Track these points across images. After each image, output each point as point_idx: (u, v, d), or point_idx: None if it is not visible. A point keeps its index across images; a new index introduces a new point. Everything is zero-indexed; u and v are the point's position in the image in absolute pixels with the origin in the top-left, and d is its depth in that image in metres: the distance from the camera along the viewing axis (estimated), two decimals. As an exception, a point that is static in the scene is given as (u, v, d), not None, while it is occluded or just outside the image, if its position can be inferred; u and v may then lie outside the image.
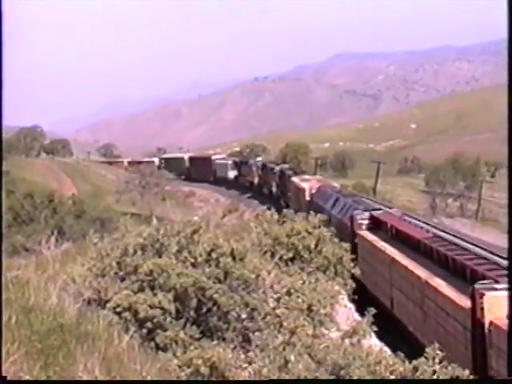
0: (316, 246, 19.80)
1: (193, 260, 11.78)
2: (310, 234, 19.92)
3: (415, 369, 9.82)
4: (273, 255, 17.12)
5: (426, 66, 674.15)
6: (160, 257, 11.78)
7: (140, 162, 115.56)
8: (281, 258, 17.70)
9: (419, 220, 33.01)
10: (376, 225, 32.01)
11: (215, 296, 11.28)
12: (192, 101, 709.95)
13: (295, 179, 57.07)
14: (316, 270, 18.65)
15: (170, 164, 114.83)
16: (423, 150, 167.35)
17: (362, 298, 21.18)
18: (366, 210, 33.30)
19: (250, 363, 10.09)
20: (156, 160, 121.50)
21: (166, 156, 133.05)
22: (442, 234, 26.80)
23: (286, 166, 75.55)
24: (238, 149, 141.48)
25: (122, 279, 11.76)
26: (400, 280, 25.01)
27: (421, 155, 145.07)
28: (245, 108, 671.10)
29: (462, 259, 20.84)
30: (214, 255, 11.84)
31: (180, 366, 9.87)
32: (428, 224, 31.45)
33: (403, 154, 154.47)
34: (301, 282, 13.61)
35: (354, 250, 30.03)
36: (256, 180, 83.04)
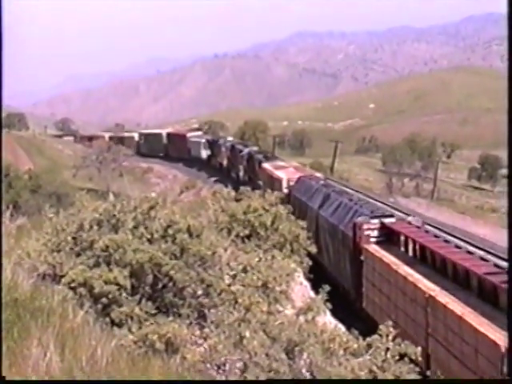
0: (272, 223, 19.89)
1: (149, 236, 11.75)
2: (266, 211, 20.00)
3: (369, 346, 9.94)
4: (229, 232, 17.16)
5: (385, 47, 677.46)
6: (116, 232, 11.74)
7: (121, 138, 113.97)
8: (237, 235, 17.77)
9: (443, 231, 27.42)
10: (388, 236, 24.77)
11: (171, 272, 11.28)
12: (150, 77, 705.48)
13: (267, 166, 49.15)
14: (272, 248, 18.73)
15: (149, 140, 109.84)
16: (381, 129, 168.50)
17: (318, 276, 21.29)
18: (374, 217, 25.69)
19: (205, 339, 10.14)
20: (136, 135, 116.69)
21: (145, 132, 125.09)
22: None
23: (254, 148, 68.75)
24: (196, 125, 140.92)
25: (78, 254, 11.70)
26: (447, 333, 17.14)
27: (378, 135, 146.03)
28: (204, 84, 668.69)
29: None
30: (170, 231, 11.82)
31: (135, 342, 9.89)
32: (462, 240, 25.37)
33: (361, 134, 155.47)
34: (257, 259, 13.68)
35: (357, 269, 25.37)
36: (225, 162, 76.42)
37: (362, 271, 24.61)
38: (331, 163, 78.83)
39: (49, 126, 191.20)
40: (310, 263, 21.27)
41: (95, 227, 11.91)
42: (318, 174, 42.92)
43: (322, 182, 37.49)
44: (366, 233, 24.82)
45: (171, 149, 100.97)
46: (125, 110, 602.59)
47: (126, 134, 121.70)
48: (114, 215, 12.11)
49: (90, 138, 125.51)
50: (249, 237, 19.03)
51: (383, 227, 24.84)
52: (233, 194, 21.96)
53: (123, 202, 12.49)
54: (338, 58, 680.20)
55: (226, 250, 13.22)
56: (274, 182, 42.38)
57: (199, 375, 9.14)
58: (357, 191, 39.84)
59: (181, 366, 9.20)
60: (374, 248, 24.03)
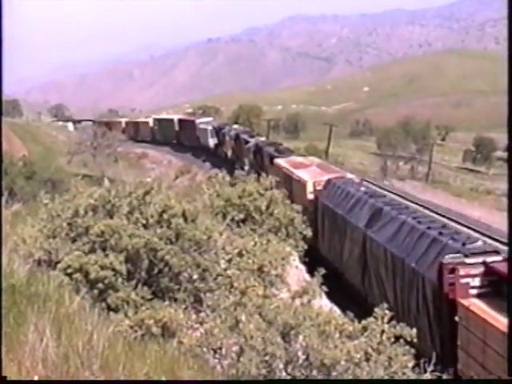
0: (267, 207, 19.90)
1: (144, 221, 11.75)
2: (261, 195, 20.01)
3: (364, 328, 9.97)
4: (224, 217, 17.18)
5: (379, 30, 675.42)
6: (111, 218, 11.73)
7: (136, 123, 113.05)
8: (232, 220, 17.78)
9: None
10: (494, 285, 16.32)
11: (167, 257, 11.29)
12: (144, 62, 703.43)
13: (283, 163, 38.93)
14: (267, 232, 18.75)
15: (162, 126, 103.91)
16: (375, 112, 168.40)
17: (313, 260, 21.28)
18: (473, 253, 17.19)
19: (201, 323, 10.16)
20: (150, 121, 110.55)
21: (158, 117, 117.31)
22: None
23: (262, 138, 59.84)
24: (190, 110, 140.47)
25: (73, 240, 11.70)
26: None
27: (373, 118, 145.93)
28: (198, 69, 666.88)
29: None
30: (165, 216, 11.83)
31: (132, 327, 9.91)
32: None
33: (355, 117, 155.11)
34: (252, 243, 13.70)
35: (445, 330, 17.48)
36: (229, 153, 68.41)
37: (455, 336, 16.55)
38: (326, 147, 78.77)
39: (43, 113, 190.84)
40: (305, 247, 21.29)
41: (90, 213, 11.91)
42: (350, 175, 33.90)
43: (362, 188, 29.46)
44: (464, 280, 16.61)
45: (182, 136, 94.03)
46: (119, 95, 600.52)
47: (141, 120, 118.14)
48: (109, 201, 12.11)
49: (108, 124, 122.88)
50: (244, 221, 19.03)
51: (488, 272, 16.48)
52: (228, 178, 21.98)
53: (118, 187, 12.49)
54: (332, 41, 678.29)
55: (221, 234, 13.24)
56: (293, 184, 33.89)
57: (195, 359, 9.17)
58: (417, 204, 31.19)
59: (177, 350, 9.22)
60: (479, 306, 15.72)
